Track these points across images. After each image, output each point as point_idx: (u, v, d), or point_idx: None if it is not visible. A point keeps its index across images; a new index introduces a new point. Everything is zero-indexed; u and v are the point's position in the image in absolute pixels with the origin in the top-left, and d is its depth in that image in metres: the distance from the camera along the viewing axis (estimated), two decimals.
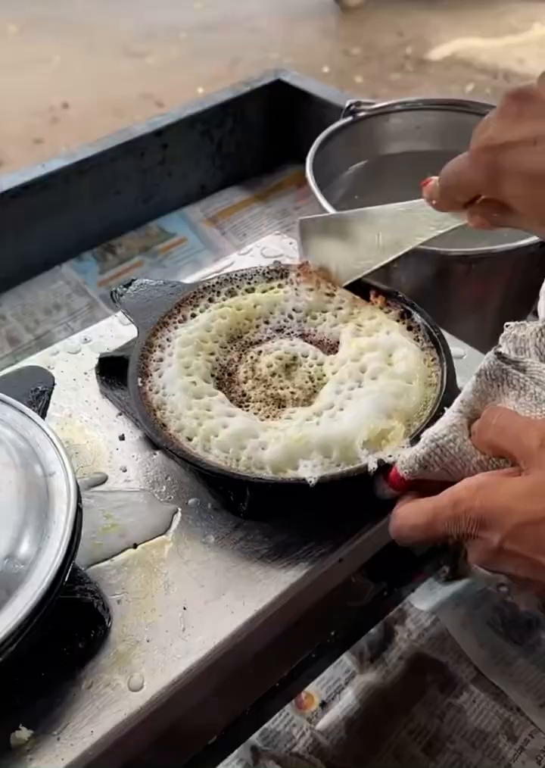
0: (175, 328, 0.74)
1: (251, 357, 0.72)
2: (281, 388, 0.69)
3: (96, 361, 0.78)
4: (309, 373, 0.71)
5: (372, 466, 0.60)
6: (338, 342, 0.73)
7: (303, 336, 0.74)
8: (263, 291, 0.77)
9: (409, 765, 0.79)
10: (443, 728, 0.79)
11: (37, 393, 0.67)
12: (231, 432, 0.64)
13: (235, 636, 0.59)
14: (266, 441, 0.63)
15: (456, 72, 5.47)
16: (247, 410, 0.68)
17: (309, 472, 0.61)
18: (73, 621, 0.57)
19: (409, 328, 0.73)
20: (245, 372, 0.71)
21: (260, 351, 0.72)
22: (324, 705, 0.83)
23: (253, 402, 0.69)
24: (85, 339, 0.82)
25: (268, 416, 0.67)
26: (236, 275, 0.78)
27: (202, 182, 1.40)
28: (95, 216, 1.28)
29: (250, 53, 5.21)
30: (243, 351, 0.73)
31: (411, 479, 0.57)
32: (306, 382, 0.70)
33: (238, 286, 0.78)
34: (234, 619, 0.59)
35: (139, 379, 0.68)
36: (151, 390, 0.68)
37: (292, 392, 0.69)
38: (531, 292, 0.95)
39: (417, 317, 0.73)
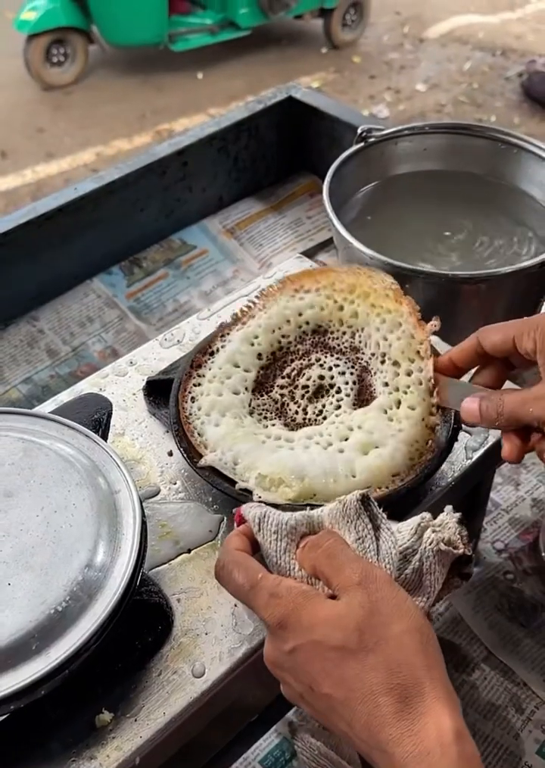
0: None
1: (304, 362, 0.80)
2: (297, 405, 0.78)
3: (142, 382, 0.86)
4: (324, 407, 0.77)
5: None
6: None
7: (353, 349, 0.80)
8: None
9: None
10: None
11: (98, 418, 0.76)
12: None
13: None
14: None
15: (454, 49, 5.51)
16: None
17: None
18: (142, 618, 0.66)
19: None
20: (289, 372, 0.80)
21: (317, 360, 0.80)
22: None
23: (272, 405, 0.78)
24: (131, 362, 0.90)
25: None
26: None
27: (220, 194, 1.49)
28: (122, 232, 1.37)
29: None
30: (311, 345, 0.81)
31: (241, 520, 0.63)
32: (319, 413, 0.77)
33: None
34: None
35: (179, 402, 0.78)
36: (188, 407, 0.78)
37: (301, 415, 0.77)
38: (531, 307, 1.04)
39: None
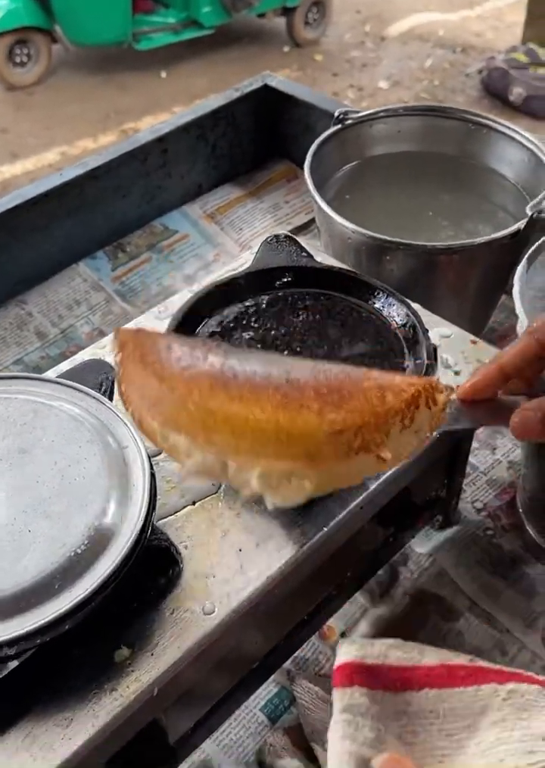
0: None
1: None
2: None
3: None
4: None
5: None
6: None
7: None
8: None
9: None
10: (445, 648, 0.92)
11: (102, 380, 0.80)
12: None
13: (282, 570, 0.72)
14: None
15: (415, 47, 5.61)
16: None
17: None
18: (153, 563, 0.70)
19: None
20: None
21: None
22: (343, 635, 0.97)
23: None
24: None
25: None
26: None
27: (199, 181, 1.53)
28: (105, 217, 1.40)
29: None
30: None
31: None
32: None
33: None
34: (280, 557, 0.72)
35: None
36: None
37: None
38: (503, 276, 1.10)
39: None
